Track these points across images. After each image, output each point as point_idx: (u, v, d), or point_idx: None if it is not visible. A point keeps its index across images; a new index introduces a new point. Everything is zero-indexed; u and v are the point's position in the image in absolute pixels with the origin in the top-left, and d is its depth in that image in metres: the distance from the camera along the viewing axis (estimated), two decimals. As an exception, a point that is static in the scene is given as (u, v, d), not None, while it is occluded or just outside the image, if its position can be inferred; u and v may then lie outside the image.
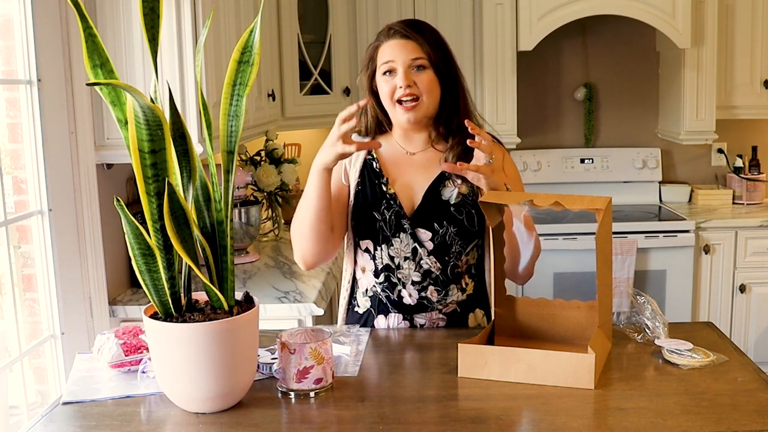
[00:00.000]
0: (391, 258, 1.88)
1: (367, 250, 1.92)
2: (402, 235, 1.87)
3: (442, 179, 1.89)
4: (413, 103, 1.83)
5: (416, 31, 1.85)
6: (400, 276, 1.89)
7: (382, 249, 1.89)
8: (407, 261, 1.88)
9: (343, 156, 1.69)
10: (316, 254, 1.86)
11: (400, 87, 1.82)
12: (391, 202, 1.88)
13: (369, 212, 1.89)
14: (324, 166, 1.74)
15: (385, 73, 1.85)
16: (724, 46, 3.84)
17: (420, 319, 1.90)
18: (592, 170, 4.14)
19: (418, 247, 1.86)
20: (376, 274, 1.91)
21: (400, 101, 1.83)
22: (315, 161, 1.75)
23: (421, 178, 1.90)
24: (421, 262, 1.87)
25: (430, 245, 1.87)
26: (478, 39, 3.77)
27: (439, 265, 1.87)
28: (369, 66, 1.91)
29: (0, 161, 2.12)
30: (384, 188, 1.90)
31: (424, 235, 1.87)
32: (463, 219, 1.86)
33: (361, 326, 1.92)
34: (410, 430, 1.36)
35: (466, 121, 1.71)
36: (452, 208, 1.87)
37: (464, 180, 1.86)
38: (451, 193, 1.88)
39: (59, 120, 2.21)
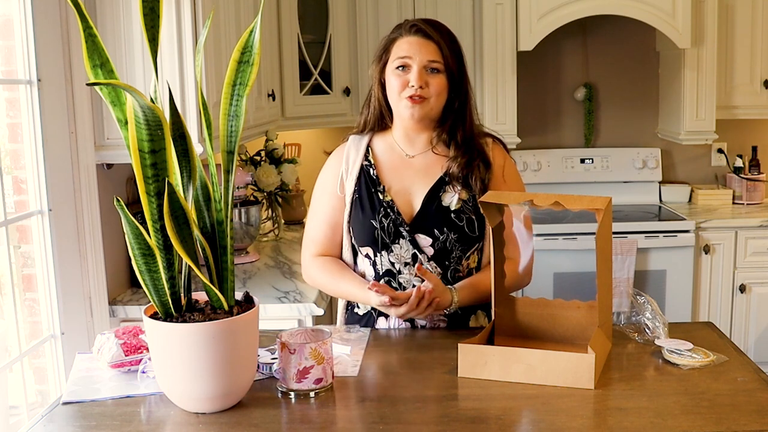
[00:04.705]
0: (392, 264, 1.88)
1: (367, 256, 1.91)
2: (401, 241, 1.86)
3: (441, 184, 1.87)
4: (420, 100, 1.82)
5: (438, 32, 1.85)
6: (401, 281, 1.88)
7: (382, 255, 1.88)
8: (407, 267, 1.87)
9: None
10: None
11: (412, 86, 1.81)
12: (389, 210, 1.87)
13: (367, 220, 1.88)
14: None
15: (398, 68, 1.84)
16: (724, 46, 3.83)
17: (421, 320, 1.89)
18: (592, 170, 4.14)
19: (417, 253, 1.86)
20: (377, 279, 1.90)
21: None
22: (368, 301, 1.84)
23: (420, 183, 1.89)
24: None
25: (430, 251, 1.86)
26: (478, 39, 3.77)
27: (439, 269, 1.87)
28: (382, 57, 1.89)
29: (0, 161, 2.12)
30: (381, 196, 1.88)
31: (424, 240, 1.86)
32: (463, 225, 1.85)
33: (361, 327, 1.91)
34: (410, 430, 1.36)
35: (417, 267, 1.79)
36: (453, 215, 1.85)
37: (464, 185, 1.86)
38: (451, 199, 1.86)
39: (59, 120, 2.21)
